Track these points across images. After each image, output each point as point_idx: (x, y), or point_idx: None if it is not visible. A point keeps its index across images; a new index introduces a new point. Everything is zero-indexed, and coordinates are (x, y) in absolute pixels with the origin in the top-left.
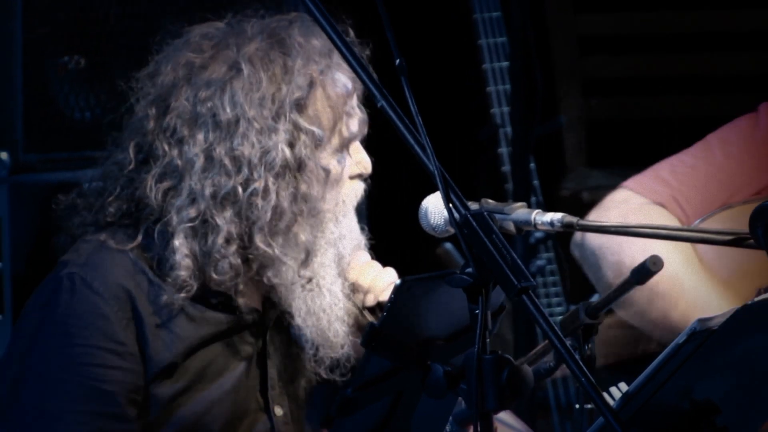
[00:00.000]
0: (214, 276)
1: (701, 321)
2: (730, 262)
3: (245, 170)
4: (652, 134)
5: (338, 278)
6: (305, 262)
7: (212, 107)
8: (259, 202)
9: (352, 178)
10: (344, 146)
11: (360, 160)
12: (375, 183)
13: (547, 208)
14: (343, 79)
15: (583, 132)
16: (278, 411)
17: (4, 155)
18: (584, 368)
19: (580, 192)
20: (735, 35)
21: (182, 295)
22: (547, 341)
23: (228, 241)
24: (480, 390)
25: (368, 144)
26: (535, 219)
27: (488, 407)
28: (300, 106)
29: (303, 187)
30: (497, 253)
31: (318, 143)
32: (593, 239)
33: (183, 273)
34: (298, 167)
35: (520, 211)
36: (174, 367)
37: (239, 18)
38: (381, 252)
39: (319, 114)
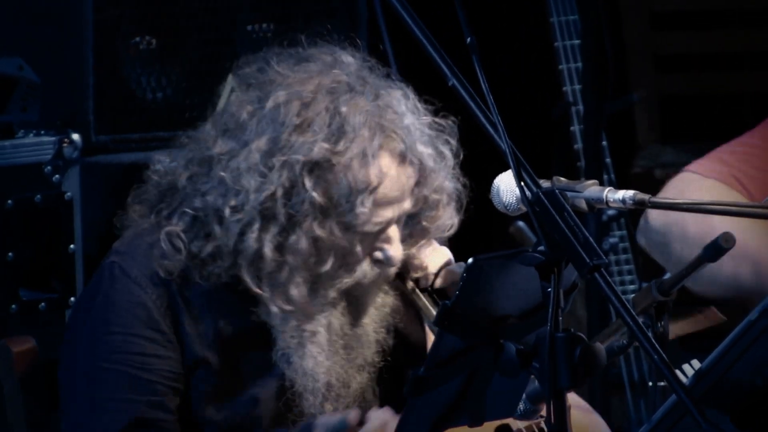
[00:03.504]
0: (200, 281)
1: None
2: None
3: (240, 196)
4: (724, 110)
5: (326, 348)
6: (297, 316)
7: (246, 120)
8: (244, 232)
9: (374, 261)
10: (359, 230)
11: (385, 250)
12: None
13: (619, 186)
14: (380, 170)
15: (655, 109)
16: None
17: (76, 136)
18: (657, 346)
19: (653, 169)
20: None
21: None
22: (619, 319)
23: (218, 253)
24: (553, 368)
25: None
26: (607, 197)
27: (561, 385)
28: (314, 166)
29: (292, 241)
30: (569, 231)
31: (318, 211)
32: (656, 221)
33: (170, 250)
34: (287, 220)
35: (591, 188)
36: (212, 359)
37: (336, 55)
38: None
39: (333, 187)
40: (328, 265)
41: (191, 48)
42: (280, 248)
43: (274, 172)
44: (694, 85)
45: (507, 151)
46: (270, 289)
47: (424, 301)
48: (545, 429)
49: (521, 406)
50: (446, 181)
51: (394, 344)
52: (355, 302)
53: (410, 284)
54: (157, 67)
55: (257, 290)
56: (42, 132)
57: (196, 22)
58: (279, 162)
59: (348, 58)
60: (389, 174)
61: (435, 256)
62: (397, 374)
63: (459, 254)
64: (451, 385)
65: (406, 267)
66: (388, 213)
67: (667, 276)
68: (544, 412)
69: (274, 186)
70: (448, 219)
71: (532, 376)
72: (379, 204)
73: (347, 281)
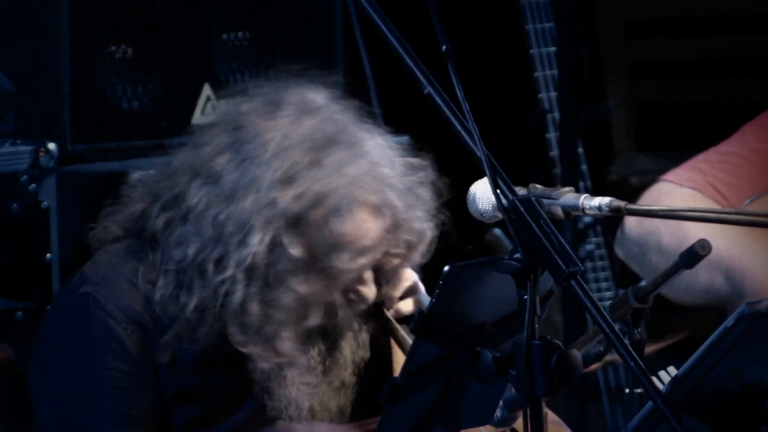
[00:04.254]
0: (194, 340)
1: (749, 304)
2: None
3: (221, 249)
4: (700, 117)
5: (304, 374)
6: (267, 348)
7: (223, 169)
8: (228, 288)
9: (348, 300)
10: (337, 278)
11: (359, 292)
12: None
13: (596, 193)
14: (357, 222)
15: (631, 116)
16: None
17: (52, 146)
18: (633, 353)
19: (629, 176)
20: None
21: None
22: (596, 326)
23: (202, 310)
24: (529, 375)
25: (421, 127)
26: (583, 204)
27: (537, 392)
28: (293, 221)
29: (275, 297)
30: (545, 239)
31: (299, 265)
32: (633, 231)
33: (163, 313)
34: (269, 277)
35: (568, 195)
36: (191, 389)
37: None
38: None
39: (312, 241)
40: (315, 319)
41: (167, 57)
42: (265, 304)
43: (256, 229)
44: (670, 93)
45: (483, 158)
46: (259, 344)
47: (395, 325)
48: None
49: (498, 413)
50: (422, 223)
51: (369, 362)
52: (332, 328)
53: (386, 312)
54: (133, 76)
55: (244, 350)
56: (18, 141)
57: (172, 31)
58: (260, 219)
59: (319, 100)
60: (365, 226)
61: (400, 279)
62: (372, 391)
63: (435, 263)
64: (427, 393)
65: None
66: (364, 261)
67: (644, 283)
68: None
69: (256, 243)
70: (423, 249)
71: (509, 384)
72: (356, 254)
73: (322, 316)
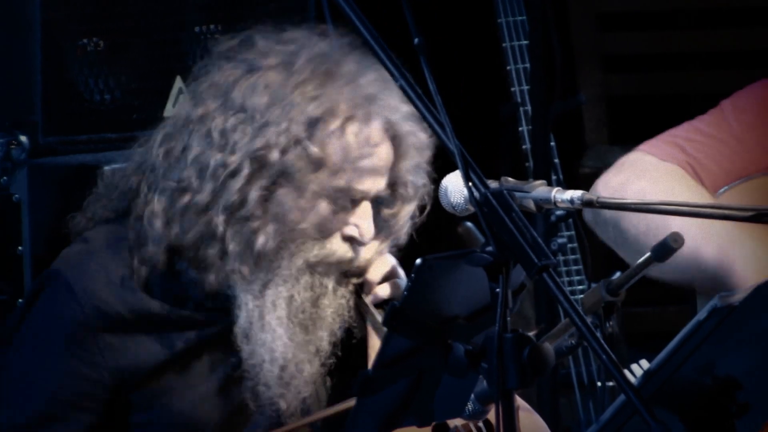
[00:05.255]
0: (177, 252)
1: (722, 297)
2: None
3: (228, 149)
4: (672, 110)
5: (285, 322)
6: (249, 263)
7: (233, 83)
8: (228, 178)
9: (344, 238)
10: (343, 196)
11: (359, 225)
12: None
13: (568, 186)
14: (371, 134)
15: (603, 109)
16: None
17: (24, 138)
18: (605, 346)
19: (600, 169)
20: (755, 10)
21: (159, 272)
22: (568, 319)
23: (193, 207)
24: (501, 369)
25: None
26: (555, 197)
27: (509, 386)
28: (309, 122)
29: (279, 194)
30: (517, 232)
31: (313, 168)
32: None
33: (151, 248)
34: (280, 172)
35: (540, 189)
36: (154, 373)
37: (309, 33)
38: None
39: (328, 147)
40: (304, 226)
41: (139, 49)
42: (264, 197)
43: (272, 124)
44: (642, 86)
45: (455, 151)
46: (238, 239)
47: (372, 310)
48: (483, 428)
49: (470, 406)
50: (416, 176)
51: (346, 343)
52: (318, 281)
53: (364, 297)
54: (104, 68)
55: (226, 241)
56: None
57: (144, 24)
58: (276, 116)
59: (327, 37)
60: (379, 143)
61: (378, 264)
62: (347, 372)
63: (407, 255)
64: (399, 386)
65: (350, 270)
66: (369, 183)
67: (616, 276)
68: (492, 413)
69: (270, 136)
70: (407, 220)
71: (481, 377)
72: (364, 171)
73: (316, 253)
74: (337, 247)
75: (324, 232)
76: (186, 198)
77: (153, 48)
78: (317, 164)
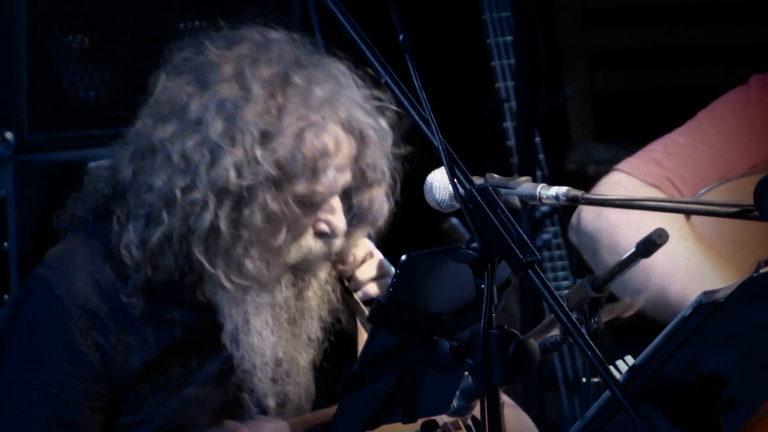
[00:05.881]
0: (157, 269)
1: (707, 293)
2: (729, 235)
3: (189, 176)
4: (658, 107)
5: (271, 323)
6: (255, 289)
7: (188, 101)
8: (197, 212)
9: (317, 234)
10: (308, 200)
11: (329, 221)
12: None
13: (553, 182)
14: (328, 138)
15: (588, 105)
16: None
17: (9, 135)
18: (590, 342)
19: (586, 165)
20: (741, 7)
21: (141, 277)
22: (553, 315)
23: (168, 238)
24: (486, 365)
25: None
26: (540, 193)
27: (495, 382)
28: (264, 138)
29: (246, 215)
30: (502, 228)
31: (271, 182)
32: (588, 224)
33: (127, 259)
34: (241, 195)
35: (525, 185)
36: (146, 370)
37: (263, 35)
38: (386, 227)
39: (284, 157)
40: (281, 238)
41: (124, 46)
42: (235, 223)
43: (226, 146)
44: (628, 82)
45: (440, 147)
46: (224, 265)
47: (362, 307)
48: (471, 425)
49: (455, 402)
50: (383, 159)
51: (336, 329)
52: (300, 276)
53: (354, 295)
54: (90, 65)
55: (210, 268)
56: None
57: (129, 20)
58: (230, 137)
59: (277, 35)
60: (336, 141)
61: (368, 262)
62: (340, 357)
63: (392, 251)
64: (385, 382)
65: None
66: (333, 182)
67: (601, 272)
68: (477, 409)
69: (227, 160)
70: (382, 202)
71: (466, 373)
72: (325, 171)
73: (294, 256)
74: (312, 244)
75: (296, 233)
76: (159, 231)
77: (138, 44)
78: (276, 179)
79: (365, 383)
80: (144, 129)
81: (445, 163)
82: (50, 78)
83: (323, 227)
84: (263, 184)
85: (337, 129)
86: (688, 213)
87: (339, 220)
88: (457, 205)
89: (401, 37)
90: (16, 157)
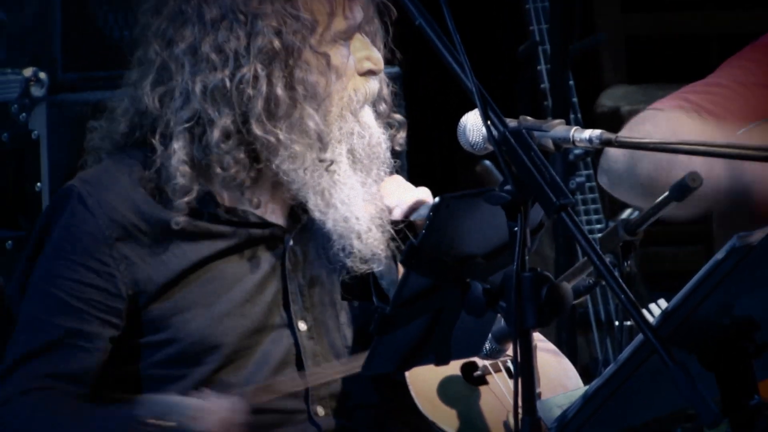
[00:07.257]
0: (220, 172)
1: (740, 237)
2: None
3: (231, 62)
4: (690, 50)
5: (354, 173)
6: (317, 147)
7: (198, 4)
8: (249, 90)
9: (362, 74)
10: (345, 35)
11: (369, 56)
12: (414, 101)
13: (586, 125)
14: None
15: (621, 48)
16: (302, 326)
17: (43, 75)
18: (623, 285)
19: (619, 109)
20: None
21: (184, 199)
22: (586, 258)
23: (226, 135)
24: (519, 308)
25: (409, 63)
26: (573, 136)
27: (527, 325)
28: None
29: (298, 74)
30: (536, 171)
31: (309, 30)
32: (618, 154)
33: (180, 180)
34: (288, 54)
35: (558, 128)
36: (172, 285)
37: None
38: (420, 170)
39: (312, 4)
40: (332, 84)
41: None
42: (289, 85)
43: (257, 18)
44: (661, 25)
45: (474, 90)
46: (288, 131)
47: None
48: (510, 367)
49: (487, 345)
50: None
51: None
52: (366, 124)
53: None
54: (123, 4)
55: (272, 138)
56: (8, 70)
57: None
58: (257, 4)
59: None
60: None
61: (405, 192)
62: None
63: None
64: (417, 324)
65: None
66: (357, 11)
67: (634, 215)
68: (509, 351)
69: (263, 27)
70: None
71: (499, 316)
72: (349, 7)
73: (354, 99)
74: (361, 85)
75: (344, 80)
76: (215, 133)
77: None
78: (312, 25)
79: (398, 325)
80: (155, 54)
81: (478, 105)
82: (84, 17)
83: (367, 64)
84: (301, 36)
85: None
86: (723, 157)
87: (376, 53)
88: (491, 148)
89: None
90: (50, 97)
